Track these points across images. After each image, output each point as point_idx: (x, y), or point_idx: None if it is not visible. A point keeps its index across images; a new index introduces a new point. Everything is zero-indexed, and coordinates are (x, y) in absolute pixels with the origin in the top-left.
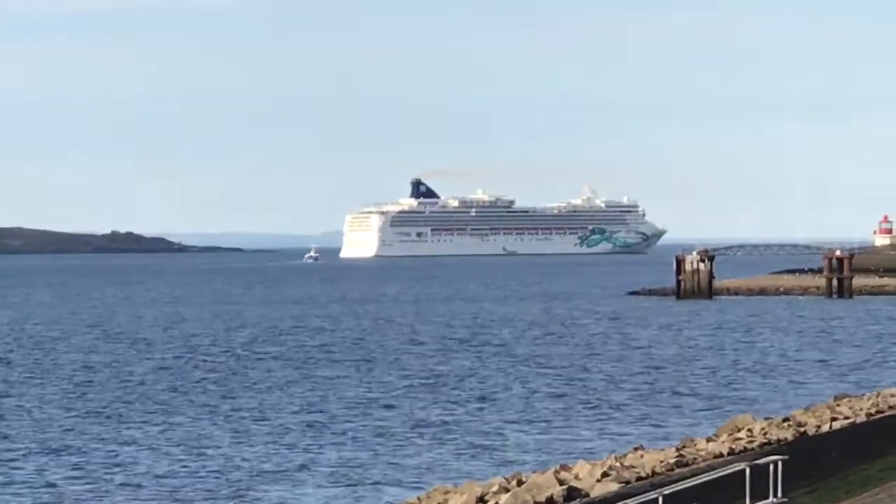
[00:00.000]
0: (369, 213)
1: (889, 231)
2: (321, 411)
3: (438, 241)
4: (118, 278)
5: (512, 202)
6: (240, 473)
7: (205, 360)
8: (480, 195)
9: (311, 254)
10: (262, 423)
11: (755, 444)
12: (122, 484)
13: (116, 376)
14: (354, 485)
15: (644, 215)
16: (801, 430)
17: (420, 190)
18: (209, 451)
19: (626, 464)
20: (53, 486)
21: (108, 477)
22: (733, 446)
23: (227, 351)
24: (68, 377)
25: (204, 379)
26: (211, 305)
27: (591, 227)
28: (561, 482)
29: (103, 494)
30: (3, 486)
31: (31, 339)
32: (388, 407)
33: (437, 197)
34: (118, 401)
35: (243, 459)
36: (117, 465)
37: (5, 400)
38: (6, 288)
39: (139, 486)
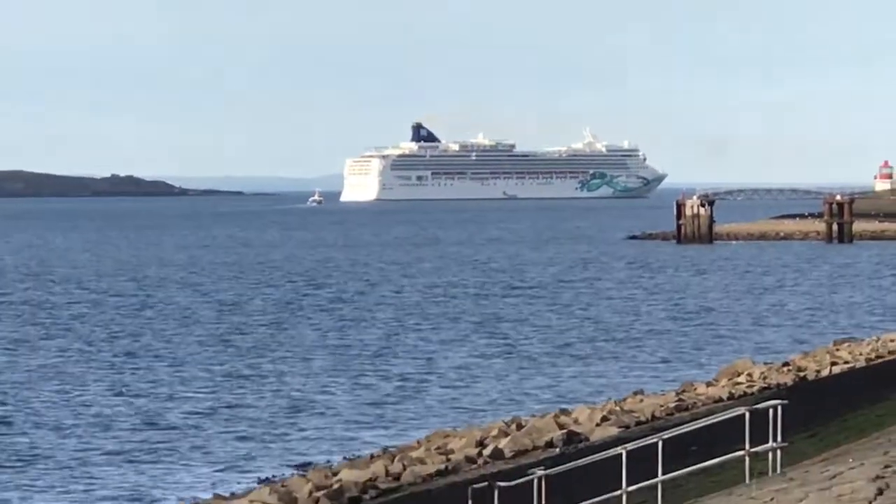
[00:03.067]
0: (370, 156)
1: (889, 176)
2: (333, 354)
3: (439, 184)
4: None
5: (512, 146)
6: (239, 411)
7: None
8: (481, 139)
9: (315, 197)
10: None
11: (755, 388)
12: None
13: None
14: (357, 427)
15: (645, 160)
16: (801, 374)
17: (420, 134)
18: (233, 390)
19: (625, 408)
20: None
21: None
22: (733, 391)
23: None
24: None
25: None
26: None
27: (591, 172)
28: (561, 426)
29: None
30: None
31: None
32: (396, 351)
33: (438, 141)
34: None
35: (251, 397)
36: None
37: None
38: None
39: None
